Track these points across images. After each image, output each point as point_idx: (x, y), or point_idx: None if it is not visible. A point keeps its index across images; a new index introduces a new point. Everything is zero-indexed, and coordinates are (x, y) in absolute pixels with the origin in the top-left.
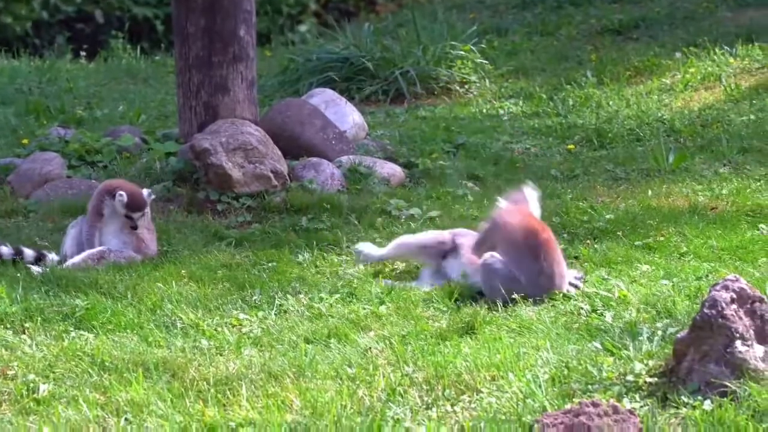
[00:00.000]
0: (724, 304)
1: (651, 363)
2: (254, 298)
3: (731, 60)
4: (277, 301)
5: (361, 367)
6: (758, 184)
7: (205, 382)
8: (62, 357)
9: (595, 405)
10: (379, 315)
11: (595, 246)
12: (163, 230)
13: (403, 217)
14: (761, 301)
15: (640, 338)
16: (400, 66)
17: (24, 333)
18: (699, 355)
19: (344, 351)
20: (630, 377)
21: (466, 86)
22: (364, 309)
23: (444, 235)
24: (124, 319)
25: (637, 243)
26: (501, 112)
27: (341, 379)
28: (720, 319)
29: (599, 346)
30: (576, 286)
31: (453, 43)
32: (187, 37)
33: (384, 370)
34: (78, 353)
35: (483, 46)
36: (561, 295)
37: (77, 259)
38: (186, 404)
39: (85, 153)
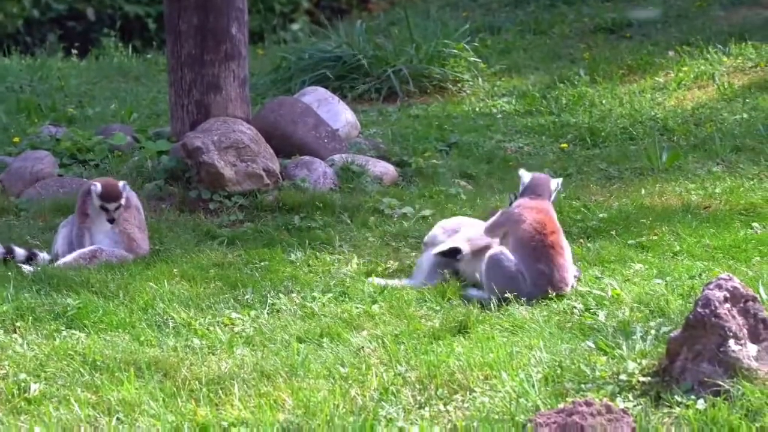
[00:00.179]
0: (717, 303)
1: (644, 362)
2: (246, 297)
3: (724, 59)
4: (269, 300)
5: (354, 367)
6: (751, 182)
7: (197, 382)
8: (53, 356)
9: (588, 404)
10: (372, 314)
11: (589, 245)
12: (155, 229)
13: (396, 215)
14: (754, 300)
15: (634, 337)
16: (393, 64)
17: (15, 332)
18: (692, 354)
19: (337, 350)
20: (623, 376)
21: (459, 85)
22: (357, 308)
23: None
24: (116, 318)
25: (630, 242)
26: (494, 110)
27: (334, 378)
28: (713, 318)
29: (592, 345)
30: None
31: (446, 41)
32: (179, 35)
33: (377, 369)
34: (69, 352)
35: (476, 44)
36: (554, 294)
37: (69, 258)
38: (178, 404)
39: (76, 151)
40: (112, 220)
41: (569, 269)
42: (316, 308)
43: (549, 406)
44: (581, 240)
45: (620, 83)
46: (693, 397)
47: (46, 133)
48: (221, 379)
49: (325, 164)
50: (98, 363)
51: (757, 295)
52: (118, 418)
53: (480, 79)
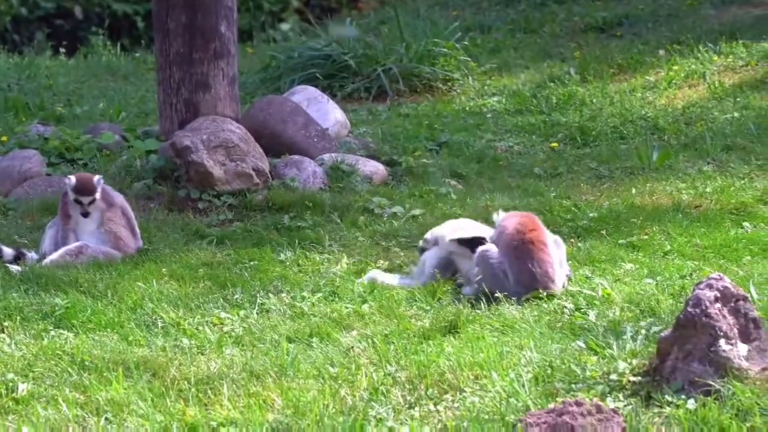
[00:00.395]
0: (707, 303)
1: (635, 362)
2: (236, 296)
3: (715, 57)
4: (258, 300)
5: (344, 367)
6: (742, 182)
7: (186, 382)
8: (41, 356)
9: (578, 404)
10: (362, 314)
11: (579, 244)
12: (144, 228)
13: (386, 215)
14: (745, 299)
15: (624, 337)
16: (383, 63)
17: (3, 332)
18: (683, 353)
19: (326, 350)
20: (614, 376)
21: (449, 84)
22: (347, 308)
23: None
24: (105, 317)
25: (620, 241)
26: (484, 109)
27: (323, 378)
28: (704, 318)
29: (583, 345)
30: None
31: (436, 40)
32: (167, 34)
33: (366, 369)
34: (57, 352)
35: (466, 43)
36: (545, 293)
37: (55, 255)
38: (167, 404)
39: (64, 150)
40: (86, 214)
41: (553, 265)
42: (305, 308)
43: (539, 406)
44: (572, 239)
45: (611, 82)
46: (683, 396)
47: (35, 132)
48: (210, 379)
49: (315, 163)
50: (86, 363)
51: (748, 295)
52: (106, 418)
53: (470, 78)
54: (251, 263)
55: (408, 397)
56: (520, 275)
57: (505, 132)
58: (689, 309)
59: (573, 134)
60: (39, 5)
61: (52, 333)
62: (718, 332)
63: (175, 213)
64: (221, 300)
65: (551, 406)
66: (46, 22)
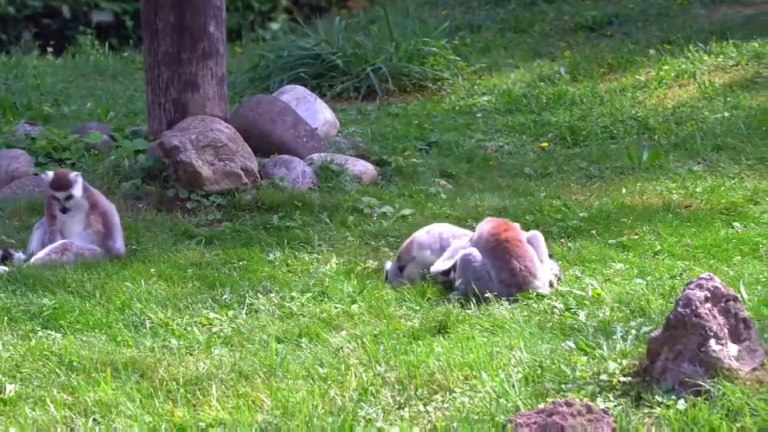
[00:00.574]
0: (698, 303)
1: (625, 362)
2: (224, 297)
3: (705, 57)
4: (247, 300)
5: (333, 367)
6: (732, 182)
7: (174, 382)
8: (29, 357)
9: (568, 404)
10: (351, 314)
11: (569, 244)
12: (132, 228)
13: (375, 215)
14: (735, 299)
15: (614, 337)
16: (372, 63)
17: None
18: (673, 354)
19: (316, 350)
20: (604, 376)
21: (439, 83)
22: (336, 308)
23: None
24: (93, 318)
25: (611, 241)
26: (474, 109)
27: (313, 378)
28: (694, 318)
29: (573, 345)
30: (551, 283)
31: (425, 39)
32: (156, 33)
33: (356, 369)
34: (45, 353)
35: (456, 42)
36: (534, 294)
37: (41, 254)
38: (155, 404)
39: (52, 150)
40: (63, 210)
41: (532, 259)
42: (294, 308)
43: (529, 407)
44: (562, 239)
45: (601, 82)
46: (674, 397)
47: (22, 131)
48: (199, 379)
49: (304, 163)
50: (74, 363)
51: (738, 295)
52: (94, 419)
53: (460, 78)
54: (240, 263)
55: (397, 398)
56: (501, 274)
57: (495, 132)
58: (679, 309)
59: (563, 134)
60: (26, 4)
61: (40, 334)
62: (709, 332)
63: (164, 213)
64: (210, 300)
65: (541, 406)
66: (33, 21)
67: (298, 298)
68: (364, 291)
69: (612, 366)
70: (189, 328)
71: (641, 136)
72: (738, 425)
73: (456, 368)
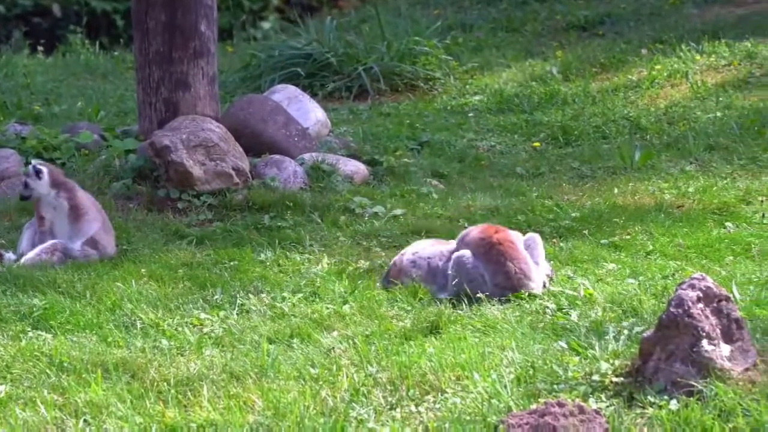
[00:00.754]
0: (690, 303)
1: (617, 362)
2: (215, 297)
3: (697, 57)
4: (238, 301)
5: (324, 368)
6: (724, 182)
7: (165, 383)
8: (19, 357)
9: (560, 405)
10: (343, 314)
11: (561, 244)
12: (123, 229)
13: (367, 215)
14: (727, 299)
15: (606, 337)
16: (364, 62)
17: None
18: (665, 354)
19: (307, 351)
20: (596, 377)
21: (431, 83)
22: (328, 308)
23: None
24: (83, 318)
25: (603, 241)
26: (466, 108)
27: (304, 379)
28: (686, 318)
29: (565, 345)
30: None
31: (417, 39)
32: (147, 32)
33: (347, 370)
34: (36, 354)
35: (447, 42)
36: (527, 294)
37: (31, 254)
38: (146, 405)
39: (42, 150)
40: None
41: (526, 261)
42: (286, 308)
43: (521, 407)
44: (554, 239)
45: (593, 81)
46: (666, 397)
47: (12, 131)
48: (190, 380)
49: (296, 163)
50: (65, 364)
51: (731, 295)
52: (85, 420)
53: (452, 77)
54: (231, 263)
55: (389, 398)
56: (496, 277)
57: (486, 131)
58: (672, 309)
59: (555, 134)
60: (17, 3)
61: (30, 334)
62: (701, 333)
63: (155, 213)
64: (201, 301)
65: (533, 406)
66: (23, 20)
67: (289, 298)
68: (356, 291)
69: (604, 366)
70: (180, 329)
71: (633, 136)
72: (730, 425)
73: (448, 369)
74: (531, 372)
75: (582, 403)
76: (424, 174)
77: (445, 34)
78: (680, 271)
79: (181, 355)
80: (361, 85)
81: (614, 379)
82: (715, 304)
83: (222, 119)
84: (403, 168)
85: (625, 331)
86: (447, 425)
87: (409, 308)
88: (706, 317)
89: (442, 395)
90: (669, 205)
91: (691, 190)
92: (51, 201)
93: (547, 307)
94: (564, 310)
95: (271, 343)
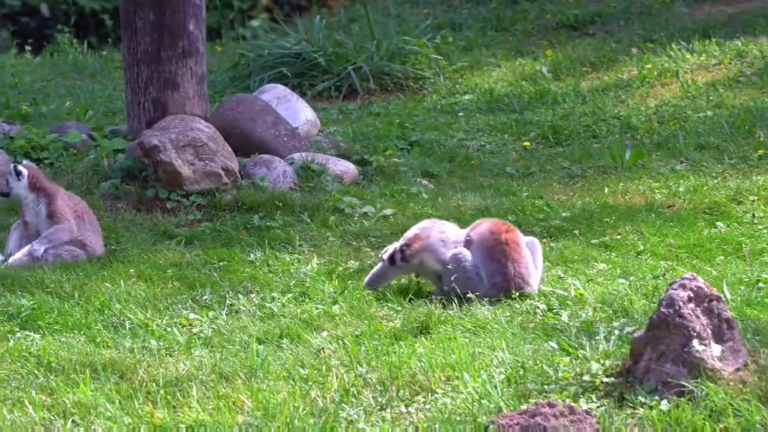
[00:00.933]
0: (681, 303)
1: (608, 363)
2: (205, 297)
3: (688, 56)
4: (228, 301)
5: (314, 368)
6: (715, 181)
7: (154, 384)
8: (7, 358)
9: (551, 405)
10: (332, 315)
11: (551, 244)
12: (111, 229)
13: (357, 215)
14: (718, 299)
15: (597, 338)
16: (353, 61)
17: None
18: (656, 354)
19: (297, 351)
20: (586, 377)
21: (420, 82)
22: (317, 309)
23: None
24: (71, 319)
25: (593, 241)
26: (456, 108)
27: (293, 380)
28: (677, 318)
29: (555, 345)
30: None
31: (406, 38)
32: (135, 32)
33: (337, 370)
34: (24, 354)
35: (437, 41)
36: (517, 294)
37: (19, 254)
38: (135, 406)
39: (30, 150)
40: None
41: (527, 265)
42: (275, 309)
43: (512, 408)
44: (544, 239)
45: (583, 81)
46: (657, 397)
47: (0, 131)
48: (179, 380)
49: (285, 163)
50: (53, 365)
51: (721, 295)
52: (73, 421)
53: (441, 77)
54: (220, 264)
55: (379, 399)
56: (494, 276)
57: (476, 131)
58: (662, 309)
59: (545, 133)
60: (4, 3)
61: (18, 335)
62: (692, 333)
63: (143, 213)
64: (190, 301)
65: (524, 407)
66: (11, 19)
67: (279, 298)
68: (346, 291)
69: (595, 366)
70: (169, 329)
71: (624, 136)
72: (721, 426)
73: (438, 369)
74: (521, 372)
75: (572, 404)
76: (414, 174)
77: (434, 33)
78: (671, 271)
79: (170, 356)
80: (350, 84)
81: (605, 380)
82: (705, 304)
83: (211, 119)
84: (393, 168)
85: (616, 332)
86: (437, 426)
87: (399, 308)
88: (697, 317)
89: (432, 396)
90: (660, 204)
91: (681, 189)
92: (31, 205)
93: (538, 308)
94: (554, 311)
95: (260, 344)
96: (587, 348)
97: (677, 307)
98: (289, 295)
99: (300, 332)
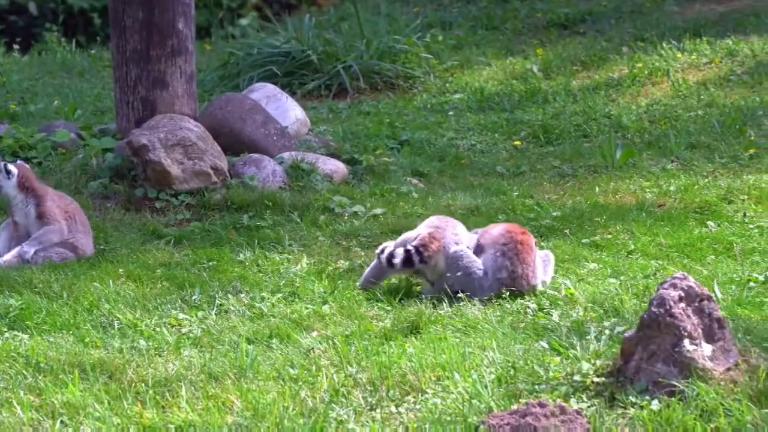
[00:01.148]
0: (672, 303)
1: (598, 362)
2: (194, 297)
3: (678, 54)
4: (217, 301)
5: (304, 368)
6: (706, 180)
7: (143, 384)
8: None
9: (541, 405)
10: (322, 314)
11: (542, 244)
12: (100, 228)
13: (346, 214)
14: (709, 299)
15: (588, 337)
16: (343, 60)
17: None
18: (647, 354)
19: (286, 351)
20: (577, 377)
21: (411, 81)
22: (307, 308)
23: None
24: (60, 319)
25: (584, 240)
26: (446, 107)
27: (283, 380)
28: (668, 318)
29: (546, 345)
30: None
31: (396, 37)
32: (124, 30)
33: (327, 370)
34: (12, 354)
35: (427, 40)
36: (508, 293)
37: (8, 256)
38: (124, 406)
39: (18, 149)
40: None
41: (535, 270)
42: (265, 309)
43: (502, 408)
44: (535, 239)
45: (574, 79)
46: (647, 397)
47: None
48: (168, 380)
49: (274, 162)
50: (42, 365)
51: (712, 295)
52: (62, 422)
53: (431, 76)
54: (210, 263)
55: (369, 399)
56: (501, 271)
57: (467, 130)
58: (653, 309)
59: (536, 132)
60: None
61: (7, 335)
62: (683, 332)
63: (132, 212)
64: (179, 301)
65: (514, 407)
66: None
67: (268, 298)
68: (336, 291)
69: (585, 366)
70: (158, 329)
71: (614, 135)
72: (712, 426)
73: (428, 369)
74: (512, 372)
75: (563, 404)
76: (404, 173)
77: (424, 32)
78: (662, 271)
79: (159, 356)
80: (340, 83)
81: (595, 380)
82: (696, 304)
83: (200, 118)
84: (383, 167)
85: (607, 331)
86: (427, 426)
87: (389, 308)
88: (688, 317)
89: (422, 396)
90: (650, 203)
91: (672, 188)
92: (20, 206)
93: (528, 307)
94: (545, 310)
95: (250, 344)
96: (578, 348)
97: (668, 307)
98: (279, 295)
99: (290, 332)
